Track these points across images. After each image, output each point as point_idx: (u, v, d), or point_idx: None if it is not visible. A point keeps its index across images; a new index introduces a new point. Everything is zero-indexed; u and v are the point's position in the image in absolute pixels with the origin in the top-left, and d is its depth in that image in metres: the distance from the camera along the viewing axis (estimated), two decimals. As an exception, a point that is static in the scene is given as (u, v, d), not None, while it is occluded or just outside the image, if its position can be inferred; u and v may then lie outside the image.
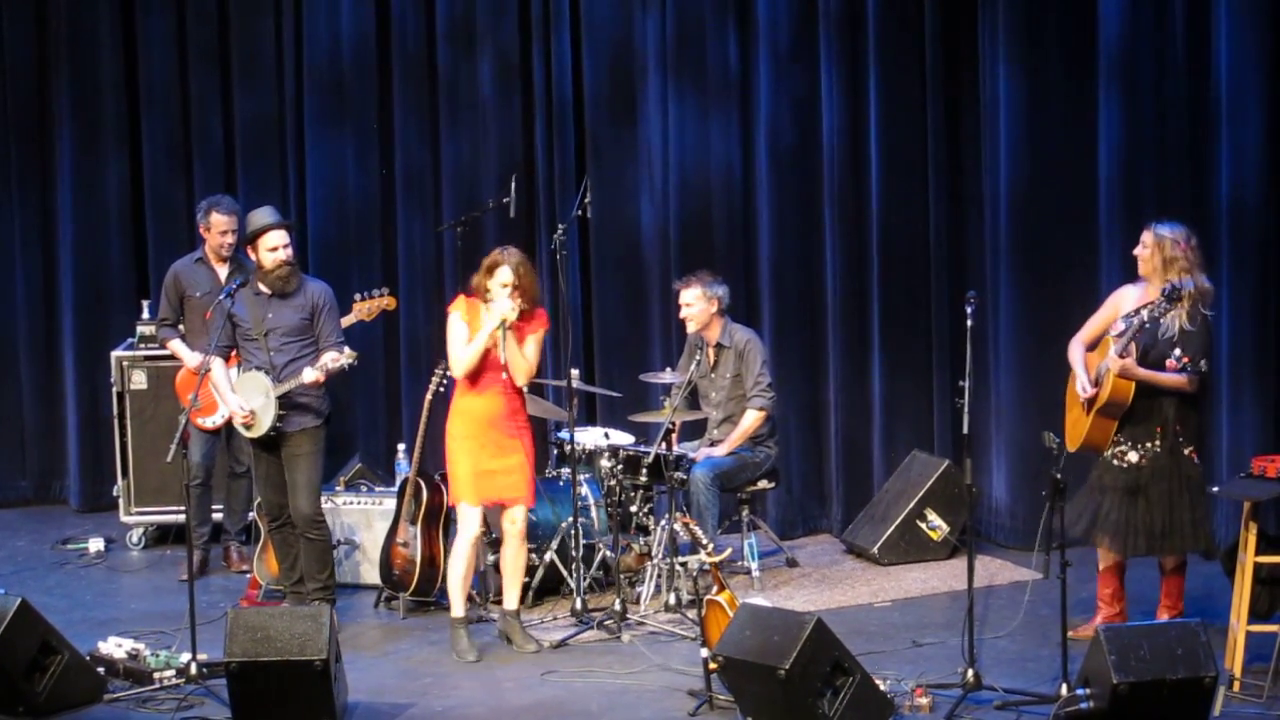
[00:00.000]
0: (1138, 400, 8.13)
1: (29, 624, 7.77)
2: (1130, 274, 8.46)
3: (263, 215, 8.78)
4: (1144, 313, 8.03)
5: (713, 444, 9.62)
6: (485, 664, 8.43)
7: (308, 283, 8.85)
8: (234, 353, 8.88)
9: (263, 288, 8.74)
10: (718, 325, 9.68)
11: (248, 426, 8.69)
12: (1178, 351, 8.03)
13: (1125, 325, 8.13)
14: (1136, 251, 8.30)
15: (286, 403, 8.63)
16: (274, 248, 8.70)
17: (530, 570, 9.18)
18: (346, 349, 8.69)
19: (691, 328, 9.69)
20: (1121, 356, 8.05)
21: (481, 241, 10.87)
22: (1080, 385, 8.26)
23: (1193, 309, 8.13)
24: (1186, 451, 8.20)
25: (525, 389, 8.59)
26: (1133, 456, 8.20)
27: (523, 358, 8.42)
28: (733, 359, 9.64)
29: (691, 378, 9.54)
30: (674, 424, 9.25)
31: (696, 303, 9.61)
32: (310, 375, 8.59)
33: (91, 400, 11.45)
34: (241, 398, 8.69)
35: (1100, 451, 8.28)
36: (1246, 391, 9.73)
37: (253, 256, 8.81)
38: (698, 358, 9.60)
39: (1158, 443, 8.17)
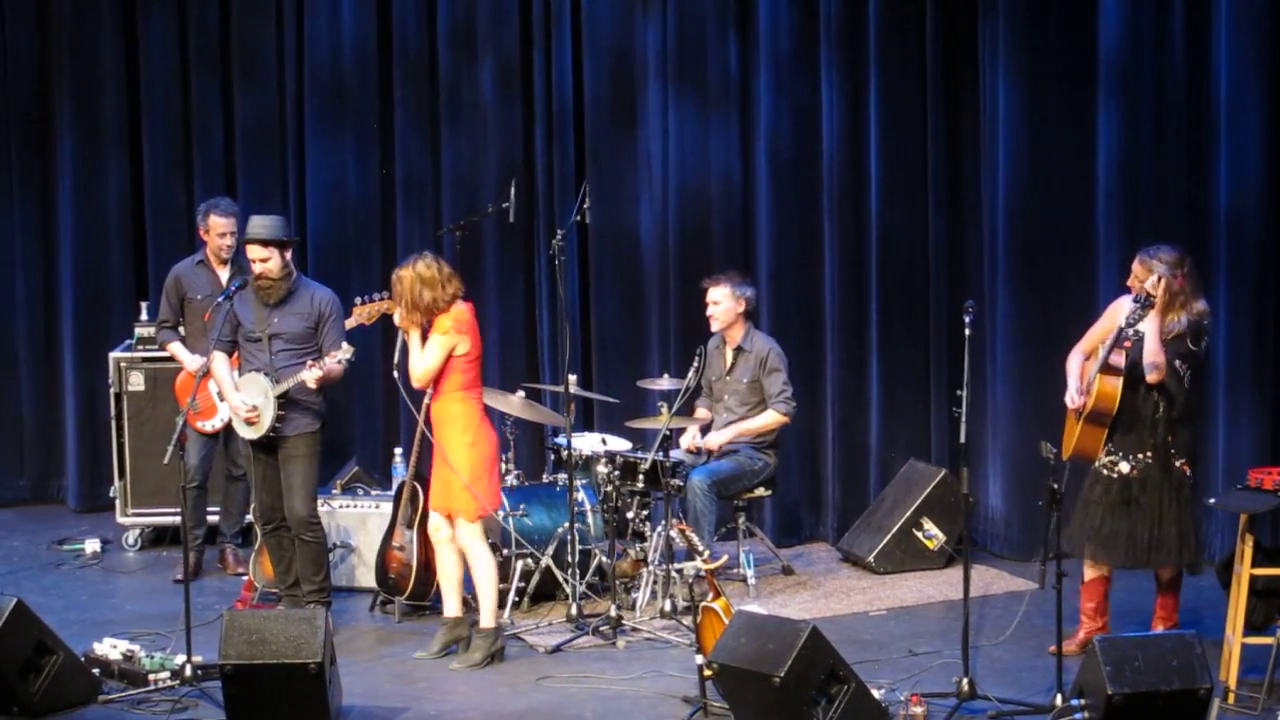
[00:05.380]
0: (1130, 411, 8.13)
1: (24, 624, 7.77)
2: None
3: (252, 226, 8.69)
4: (1121, 320, 8.01)
5: (704, 431, 9.60)
6: (481, 669, 8.43)
7: (314, 290, 8.81)
8: (235, 353, 8.88)
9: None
10: (740, 327, 9.67)
11: (250, 423, 8.67)
12: (1177, 363, 8.04)
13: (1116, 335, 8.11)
14: (1130, 282, 8.17)
15: (285, 403, 8.63)
16: (253, 260, 8.68)
17: (526, 575, 9.21)
18: (344, 343, 8.67)
19: (715, 326, 9.66)
20: (1104, 370, 8.02)
21: (481, 246, 10.91)
22: (1069, 395, 8.26)
23: (1193, 335, 8.08)
24: (1178, 463, 8.19)
25: (461, 399, 8.45)
26: (1124, 467, 8.19)
27: (417, 359, 8.44)
28: (752, 365, 9.61)
29: (689, 384, 9.51)
30: (671, 430, 9.25)
31: (724, 300, 9.59)
32: (310, 377, 8.58)
33: (90, 401, 11.45)
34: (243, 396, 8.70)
35: (1091, 460, 8.27)
36: (1244, 403, 9.72)
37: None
38: (695, 364, 9.54)
39: (1149, 454, 8.16)
